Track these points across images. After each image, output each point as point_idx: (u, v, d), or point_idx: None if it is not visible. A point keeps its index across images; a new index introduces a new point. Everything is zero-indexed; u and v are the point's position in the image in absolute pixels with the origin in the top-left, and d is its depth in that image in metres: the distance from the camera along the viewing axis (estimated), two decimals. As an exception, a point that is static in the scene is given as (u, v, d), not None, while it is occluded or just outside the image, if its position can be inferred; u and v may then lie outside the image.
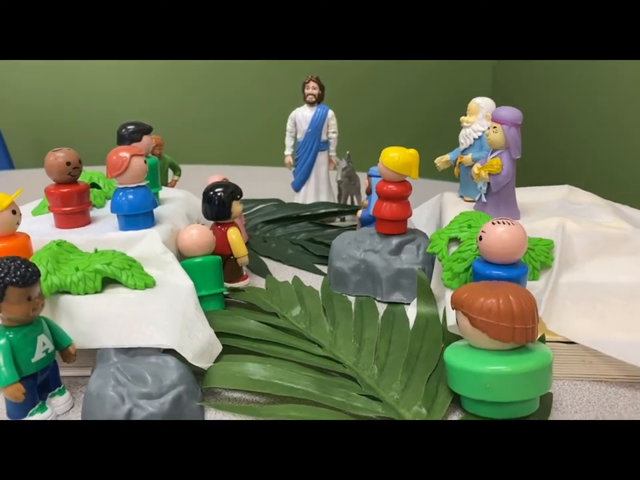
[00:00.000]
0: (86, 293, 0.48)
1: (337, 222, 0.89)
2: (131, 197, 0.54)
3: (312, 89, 0.86)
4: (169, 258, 0.53)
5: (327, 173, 0.91)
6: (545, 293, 0.50)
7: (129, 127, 0.63)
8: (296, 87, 0.91)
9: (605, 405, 0.45)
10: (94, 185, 0.65)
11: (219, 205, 0.61)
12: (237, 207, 0.62)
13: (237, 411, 0.44)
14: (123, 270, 0.49)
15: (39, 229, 0.56)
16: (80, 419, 0.43)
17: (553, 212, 0.61)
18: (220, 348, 0.49)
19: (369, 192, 0.74)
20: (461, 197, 0.68)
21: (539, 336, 0.42)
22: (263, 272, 0.70)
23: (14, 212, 0.48)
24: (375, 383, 0.46)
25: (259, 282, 0.67)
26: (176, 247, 0.58)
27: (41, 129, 1.92)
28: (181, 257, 0.57)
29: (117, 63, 1.85)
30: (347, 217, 0.89)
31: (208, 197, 0.62)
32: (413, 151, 0.60)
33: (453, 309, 0.42)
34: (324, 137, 0.88)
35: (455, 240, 0.56)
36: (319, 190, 0.91)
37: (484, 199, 0.60)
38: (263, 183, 1.06)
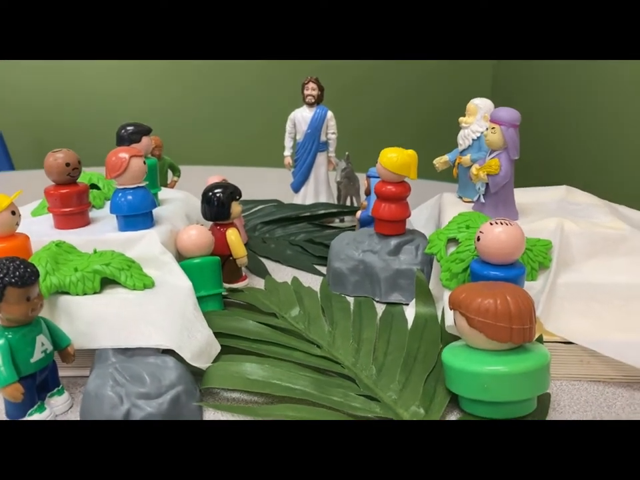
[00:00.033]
0: (85, 294, 0.48)
1: (336, 223, 0.89)
2: (130, 197, 0.54)
3: (311, 89, 0.86)
4: (167, 258, 0.53)
5: (326, 173, 0.91)
6: (543, 293, 0.50)
7: (128, 128, 0.63)
8: (295, 87, 0.91)
9: (602, 405, 0.45)
10: (93, 186, 0.65)
11: (218, 205, 0.61)
12: (236, 208, 0.62)
13: (235, 411, 0.44)
14: (121, 270, 0.49)
15: (39, 229, 0.57)
16: (78, 419, 0.43)
17: (551, 212, 0.61)
18: (218, 348, 0.49)
19: (368, 193, 0.74)
20: (460, 197, 0.68)
21: (536, 336, 0.43)
22: (262, 272, 0.70)
23: (13, 213, 0.48)
24: (373, 383, 0.46)
25: (258, 282, 0.67)
26: (175, 247, 0.58)
27: (40, 129, 1.92)
28: (180, 257, 0.57)
29: (117, 63, 1.86)
30: (346, 218, 0.89)
31: (207, 198, 0.62)
32: (411, 152, 0.60)
33: (450, 309, 0.43)
34: (323, 138, 0.88)
35: (453, 240, 0.56)
36: (318, 191, 0.91)
37: (482, 200, 0.60)
38: (262, 184, 1.06)
